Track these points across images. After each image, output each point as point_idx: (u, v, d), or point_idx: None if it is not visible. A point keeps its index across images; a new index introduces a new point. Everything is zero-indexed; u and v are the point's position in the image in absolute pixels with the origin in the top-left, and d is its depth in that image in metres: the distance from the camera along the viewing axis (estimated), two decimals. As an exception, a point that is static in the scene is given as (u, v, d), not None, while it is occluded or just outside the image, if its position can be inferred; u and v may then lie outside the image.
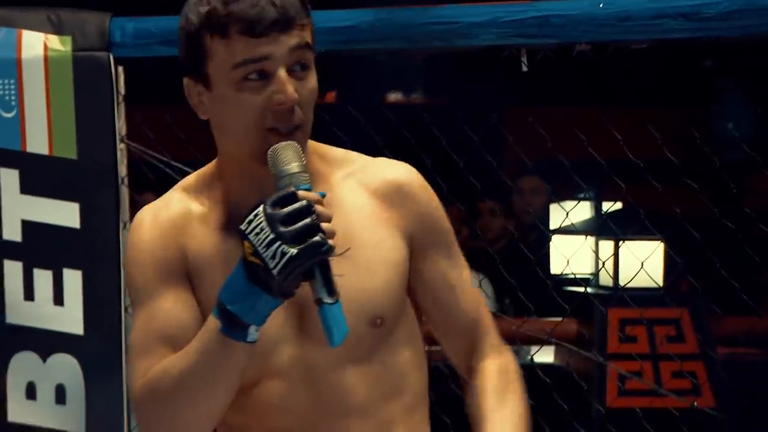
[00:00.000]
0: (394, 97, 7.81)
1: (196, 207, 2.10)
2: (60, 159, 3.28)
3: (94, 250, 3.26)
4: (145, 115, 3.63)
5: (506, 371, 2.13)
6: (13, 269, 3.28)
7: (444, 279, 2.12)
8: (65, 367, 3.25)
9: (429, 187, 2.13)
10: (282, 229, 1.88)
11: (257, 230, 1.88)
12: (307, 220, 1.88)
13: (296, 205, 1.89)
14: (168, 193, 2.14)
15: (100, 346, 3.25)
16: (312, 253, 1.88)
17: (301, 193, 1.90)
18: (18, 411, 3.26)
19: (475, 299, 2.16)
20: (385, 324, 2.06)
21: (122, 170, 3.34)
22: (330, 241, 1.89)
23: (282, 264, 1.88)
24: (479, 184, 3.62)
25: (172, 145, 3.55)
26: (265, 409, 2.06)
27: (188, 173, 3.45)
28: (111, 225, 3.30)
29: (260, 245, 1.88)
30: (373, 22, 3.16)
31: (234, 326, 1.93)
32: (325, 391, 2.05)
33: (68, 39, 3.27)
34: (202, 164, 3.55)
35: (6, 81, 3.27)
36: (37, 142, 3.28)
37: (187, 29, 2.06)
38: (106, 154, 3.29)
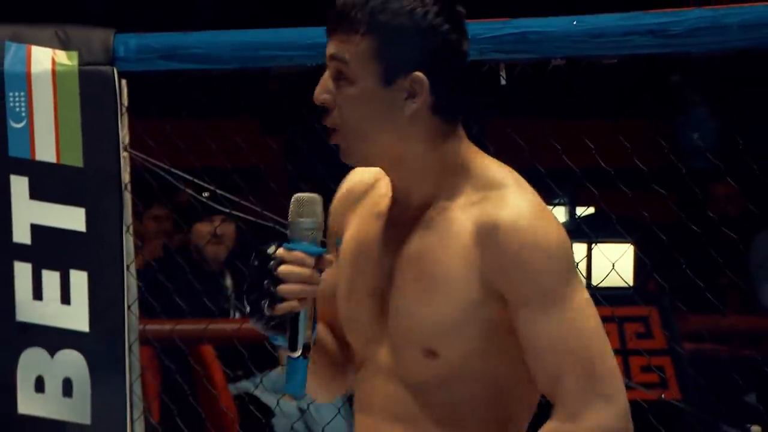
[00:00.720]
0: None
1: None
2: (67, 166, 3.26)
3: (99, 253, 3.24)
4: (146, 126, 3.62)
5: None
6: (23, 270, 3.26)
7: (525, 335, 1.90)
8: (72, 362, 3.23)
9: (538, 234, 1.89)
10: (246, 286, 1.90)
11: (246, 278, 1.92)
12: (263, 283, 1.88)
13: (260, 265, 1.89)
14: None
15: (104, 343, 3.23)
16: (256, 315, 1.89)
17: (281, 252, 1.89)
18: (27, 403, 3.24)
19: (565, 360, 1.88)
20: (439, 358, 1.92)
21: (125, 177, 3.32)
22: (287, 304, 1.87)
23: (249, 315, 1.92)
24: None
25: (171, 154, 3.55)
26: (360, 387, 2.02)
27: (186, 179, 3.48)
28: (115, 229, 3.28)
29: (245, 289, 1.92)
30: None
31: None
32: (387, 395, 1.97)
33: (75, 54, 3.26)
34: (199, 171, 3.56)
35: (17, 93, 3.25)
36: (46, 151, 3.26)
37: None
38: (110, 162, 3.28)
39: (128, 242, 3.29)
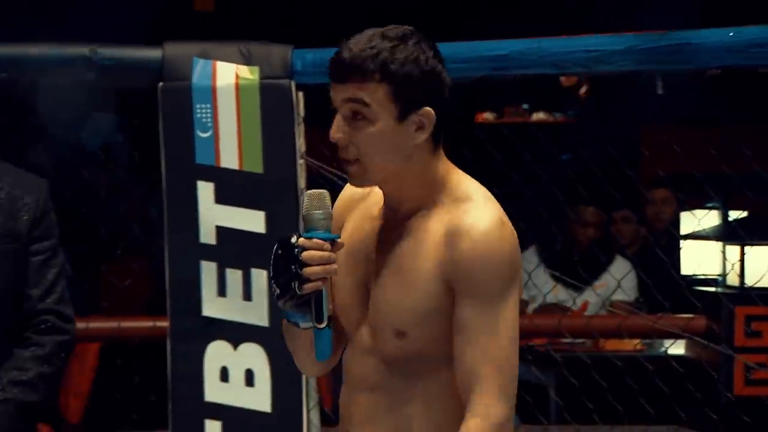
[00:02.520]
0: (536, 116, 7.78)
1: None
2: (249, 173, 3.32)
3: (277, 253, 3.32)
4: (321, 135, 3.67)
5: None
6: (209, 269, 3.32)
7: (457, 321, 2.15)
8: (253, 354, 3.29)
9: (489, 240, 2.13)
10: (272, 271, 2.15)
11: (270, 261, 2.16)
12: (291, 268, 2.12)
13: (285, 253, 2.13)
14: None
15: (283, 337, 3.30)
16: (287, 295, 2.14)
17: (302, 241, 2.14)
18: (213, 392, 3.30)
19: (484, 355, 2.13)
20: (407, 338, 2.18)
21: (301, 182, 3.37)
22: (313, 284, 2.12)
23: (275, 297, 2.17)
24: (616, 194, 3.61)
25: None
26: (347, 364, 2.27)
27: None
28: (292, 230, 3.32)
29: (271, 276, 2.17)
30: (523, 51, 3.19)
31: (288, 319, 2.21)
32: (367, 370, 2.22)
33: (256, 69, 3.32)
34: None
35: (204, 105, 3.32)
36: (229, 158, 3.32)
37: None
38: (288, 169, 3.33)
39: (305, 243, 3.35)
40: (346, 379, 2.27)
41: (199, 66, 3.33)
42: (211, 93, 3.32)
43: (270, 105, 3.32)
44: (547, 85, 6.90)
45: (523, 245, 5.00)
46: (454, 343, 2.16)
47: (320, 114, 3.83)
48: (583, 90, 6.92)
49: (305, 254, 2.12)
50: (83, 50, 3.35)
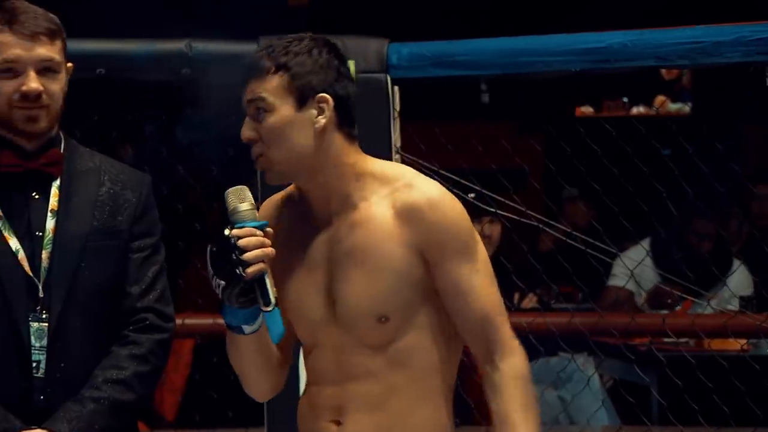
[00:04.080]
0: (636, 110, 7.69)
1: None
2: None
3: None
4: (417, 129, 3.68)
5: (521, 377, 2.33)
6: None
7: (455, 286, 2.34)
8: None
9: (447, 206, 2.33)
10: (213, 267, 2.30)
11: (207, 265, 2.31)
12: (232, 257, 2.26)
13: (222, 246, 2.28)
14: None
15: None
16: (234, 282, 2.28)
17: (235, 231, 2.29)
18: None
19: (487, 302, 2.35)
20: (390, 321, 2.34)
21: (397, 178, 3.38)
22: (255, 266, 2.26)
23: (220, 293, 2.31)
24: (720, 189, 3.55)
25: (440, 156, 3.59)
26: (312, 369, 2.44)
27: (455, 180, 3.52)
28: None
29: (210, 280, 2.31)
30: (624, 43, 3.15)
31: (231, 328, 2.38)
32: (346, 362, 2.37)
33: (352, 63, 3.29)
34: (466, 172, 3.59)
35: (298, 100, 3.35)
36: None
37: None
38: (383, 164, 3.35)
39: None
40: (314, 380, 2.43)
41: (295, 60, 3.34)
42: (306, 88, 3.33)
43: (365, 99, 3.27)
44: (647, 78, 6.82)
45: (629, 240, 4.95)
46: (454, 306, 2.33)
47: (416, 108, 3.85)
48: (684, 81, 6.83)
49: (241, 241, 2.28)
50: (179, 45, 3.38)
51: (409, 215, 2.32)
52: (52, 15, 2.62)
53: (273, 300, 2.30)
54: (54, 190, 2.63)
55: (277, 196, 2.47)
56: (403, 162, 3.42)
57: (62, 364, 2.58)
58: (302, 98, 2.33)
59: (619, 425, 4.67)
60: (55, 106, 2.61)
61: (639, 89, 7.56)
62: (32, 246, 2.60)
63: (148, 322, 2.65)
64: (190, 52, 3.37)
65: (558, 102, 7.64)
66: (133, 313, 2.65)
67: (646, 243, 5.03)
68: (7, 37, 2.57)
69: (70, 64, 2.66)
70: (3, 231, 2.59)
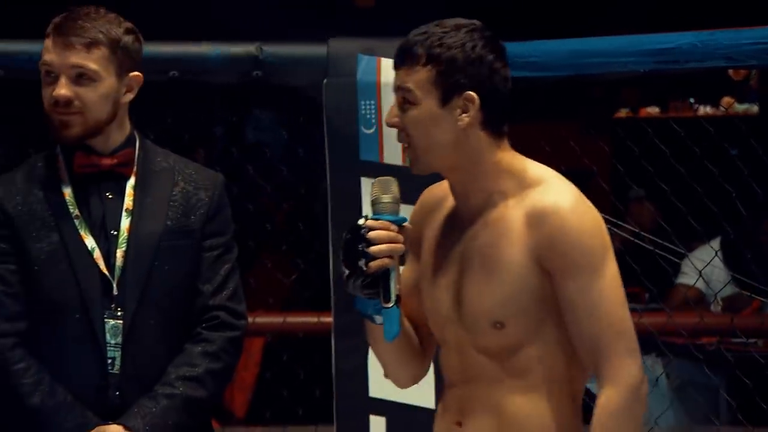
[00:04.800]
0: (703, 110, 7.63)
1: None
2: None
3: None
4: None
5: (611, 413, 2.20)
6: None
7: (565, 301, 2.23)
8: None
9: (576, 215, 2.22)
10: (342, 256, 2.25)
11: (341, 247, 2.28)
12: (358, 247, 2.23)
13: (353, 235, 2.25)
14: None
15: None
16: (356, 274, 2.24)
17: (369, 222, 2.25)
18: (377, 387, 3.30)
19: (601, 323, 2.22)
20: (506, 329, 2.26)
21: (465, 178, 3.38)
22: (380, 261, 2.22)
23: (344, 281, 2.27)
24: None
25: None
26: (443, 367, 2.37)
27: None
28: None
29: (339, 266, 2.27)
30: (694, 43, 3.12)
31: (363, 315, 2.32)
32: (466, 362, 2.30)
33: (420, 64, 3.34)
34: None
35: (368, 102, 3.33)
36: (393, 155, 3.31)
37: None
38: (452, 165, 3.35)
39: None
40: (446, 376, 2.36)
41: (364, 62, 3.34)
42: (375, 89, 3.33)
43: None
44: (713, 79, 6.77)
45: (697, 241, 4.90)
46: (568, 321, 2.23)
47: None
48: (752, 83, 6.77)
49: (371, 233, 2.24)
50: (250, 48, 3.40)
51: (535, 220, 2.23)
52: (111, 26, 2.62)
53: (393, 298, 2.26)
54: (129, 190, 2.66)
55: (439, 187, 2.39)
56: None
57: (136, 361, 2.60)
58: (447, 95, 2.25)
59: (687, 425, 4.63)
60: (91, 114, 2.61)
61: (705, 90, 7.50)
62: (107, 245, 2.62)
63: (220, 320, 2.66)
64: (260, 54, 3.38)
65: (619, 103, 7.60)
66: (205, 311, 2.66)
67: (715, 243, 4.98)
68: (48, 42, 2.62)
69: (136, 74, 2.67)
70: (79, 230, 2.62)
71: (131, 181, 2.66)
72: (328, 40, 3.39)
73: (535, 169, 2.30)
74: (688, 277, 5.14)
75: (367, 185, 3.34)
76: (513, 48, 3.33)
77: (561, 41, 3.29)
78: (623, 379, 2.21)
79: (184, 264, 2.65)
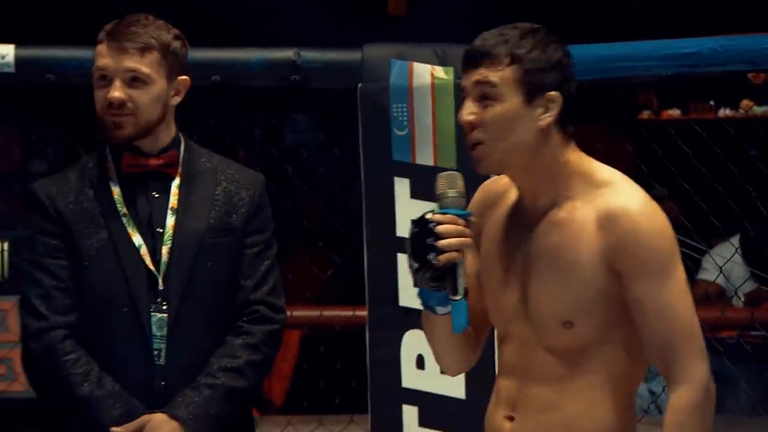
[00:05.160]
0: (723, 112, 7.59)
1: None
2: (443, 169, 3.33)
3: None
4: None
5: (683, 410, 2.16)
6: (405, 261, 3.32)
7: (635, 302, 2.19)
8: (448, 343, 3.32)
9: (647, 217, 2.17)
10: (410, 249, 2.22)
11: (407, 240, 2.24)
12: (426, 241, 2.18)
13: (421, 229, 2.20)
14: None
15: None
16: (425, 267, 2.19)
17: (437, 216, 2.20)
18: (410, 378, 3.30)
19: (672, 325, 2.18)
20: (575, 328, 2.21)
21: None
22: (448, 254, 2.16)
23: (412, 274, 2.23)
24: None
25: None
26: (500, 360, 2.33)
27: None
28: None
29: (407, 252, 2.23)
30: (715, 48, 3.11)
31: (425, 306, 2.28)
32: (528, 359, 2.25)
33: (451, 69, 3.30)
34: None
35: (400, 105, 3.33)
36: (424, 155, 3.32)
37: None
38: (481, 165, 3.34)
39: (497, 236, 3.33)
40: (502, 372, 2.32)
41: (397, 67, 3.34)
42: (407, 93, 3.33)
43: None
44: (733, 83, 6.73)
45: (717, 237, 4.87)
46: (638, 322, 2.18)
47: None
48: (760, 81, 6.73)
49: (440, 227, 2.19)
50: (288, 53, 3.41)
51: (606, 222, 2.18)
52: (161, 32, 2.64)
53: (461, 291, 2.22)
54: (174, 189, 2.67)
55: (498, 182, 2.36)
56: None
57: (180, 353, 2.61)
58: (532, 94, 2.20)
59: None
60: (143, 115, 2.63)
61: (725, 93, 7.46)
62: (153, 242, 2.64)
63: (260, 314, 2.67)
64: (298, 59, 3.39)
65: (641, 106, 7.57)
66: (246, 305, 2.67)
67: (735, 240, 4.95)
68: (103, 48, 2.63)
69: (183, 78, 2.69)
70: (127, 228, 2.64)
71: (176, 181, 2.68)
72: (363, 46, 3.40)
73: (603, 170, 2.25)
74: (708, 273, 5.11)
75: (400, 184, 3.34)
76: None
77: (589, 46, 3.27)
78: (695, 378, 2.17)
79: (225, 260, 2.66)
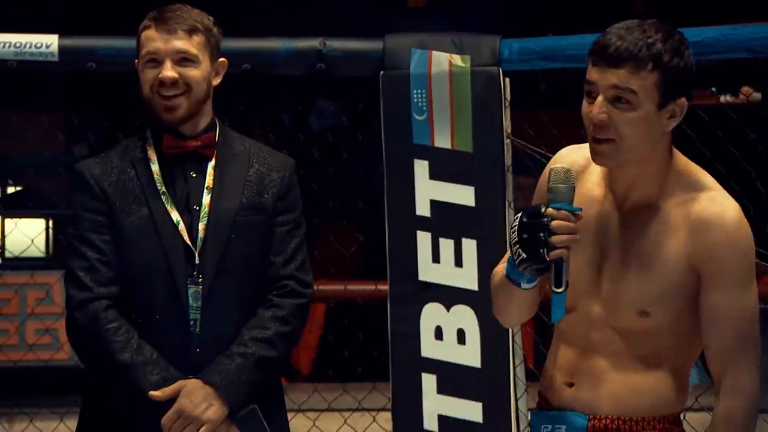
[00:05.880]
0: (724, 98, 7.54)
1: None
2: (460, 152, 3.32)
3: (486, 224, 3.29)
4: (526, 117, 3.65)
5: (731, 419, 2.16)
6: (424, 238, 3.33)
7: (710, 308, 2.17)
8: (464, 315, 3.30)
9: (738, 229, 2.15)
10: (523, 236, 2.10)
11: (513, 230, 2.13)
12: (540, 236, 2.08)
13: (534, 221, 2.10)
14: None
15: (491, 299, 3.29)
16: (534, 260, 2.10)
17: (551, 211, 2.10)
18: (429, 349, 3.32)
19: (735, 335, 2.16)
20: (650, 317, 2.18)
21: (507, 160, 3.35)
22: (559, 251, 2.08)
23: (516, 261, 2.13)
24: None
25: (548, 141, 3.56)
26: (564, 329, 2.27)
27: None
28: (499, 204, 3.31)
29: (510, 242, 2.13)
30: (717, 37, 3.10)
31: (512, 279, 2.19)
32: (595, 334, 2.23)
33: (468, 57, 3.31)
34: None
35: (419, 91, 3.33)
36: (442, 139, 3.33)
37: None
38: (496, 148, 3.32)
39: (510, 215, 3.31)
40: (566, 341, 2.27)
41: (416, 56, 3.34)
42: (426, 80, 3.33)
43: (479, 90, 3.32)
44: (735, 70, 6.69)
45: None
46: (704, 327, 2.17)
47: (525, 98, 3.82)
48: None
49: (554, 223, 2.10)
50: (314, 43, 3.41)
51: (699, 227, 2.14)
52: (202, 17, 2.67)
53: (564, 285, 2.14)
54: (210, 170, 2.68)
55: (580, 151, 2.26)
56: (513, 146, 3.40)
57: (215, 323, 2.62)
58: (665, 99, 2.12)
59: (710, 384, 4.59)
60: (195, 93, 2.65)
61: (726, 80, 7.42)
62: (190, 219, 2.65)
63: (289, 288, 2.68)
64: (324, 48, 3.39)
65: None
66: (276, 280, 2.68)
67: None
68: (152, 33, 2.64)
69: (222, 60, 2.71)
70: (166, 205, 2.65)
71: (212, 162, 2.69)
72: (384, 36, 3.40)
73: (701, 174, 2.20)
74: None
75: (419, 166, 3.34)
76: (548, 42, 3.34)
77: (592, 35, 3.26)
78: (748, 388, 2.16)
79: (257, 237, 2.67)
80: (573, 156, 2.27)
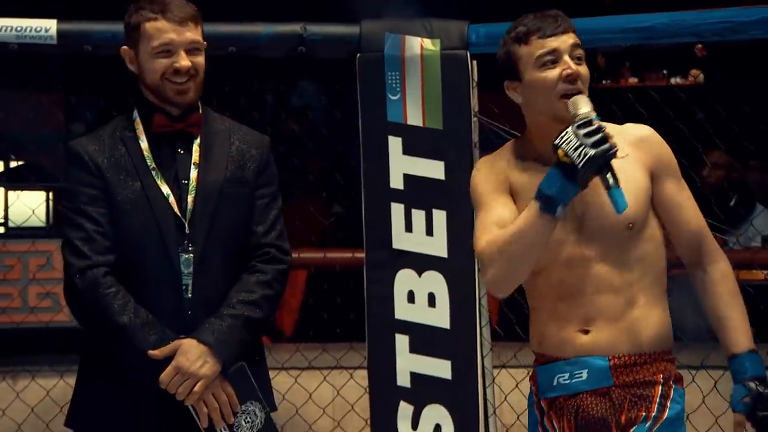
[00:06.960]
0: (674, 80, 7.57)
1: (518, 154, 2.40)
2: (431, 129, 3.33)
3: (455, 196, 3.29)
4: (491, 97, 3.65)
5: (729, 276, 2.36)
6: (397, 209, 3.34)
7: (672, 199, 2.36)
8: (435, 280, 3.31)
9: (662, 139, 2.39)
10: (585, 139, 2.17)
11: (567, 141, 2.18)
12: (601, 134, 2.18)
13: (594, 126, 2.19)
14: (500, 148, 2.46)
15: (459, 265, 3.29)
16: (604, 154, 2.18)
17: (595, 121, 2.20)
18: (402, 311, 3.33)
19: (697, 215, 2.38)
20: (635, 227, 2.32)
21: (474, 137, 3.36)
22: (613, 149, 2.18)
23: (585, 161, 2.18)
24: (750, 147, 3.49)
25: (511, 119, 3.57)
26: (553, 286, 2.34)
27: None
28: (466, 177, 3.27)
29: (570, 150, 2.18)
30: (667, 23, 3.11)
31: (548, 205, 2.22)
32: (593, 277, 2.32)
33: (438, 41, 3.31)
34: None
35: (393, 73, 3.33)
36: (415, 117, 3.33)
37: (501, 53, 2.43)
38: (464, 125, 3.32)
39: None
40: (557, 293, 2.33)
41: (390, 40, 3.34)
42: (400, 62, 3.33)
43: (449, 72, 3.31)
44: (682, 53, 6.72)
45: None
46: (672, 216, 2.36)
47: (490, 79, 3.82)
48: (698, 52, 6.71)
49: (607, 131, 2.21)
50: (296, 27, 3.39)
51: (641, 143, 2.36)
52: (193, 6, 2.67)
53: (618, 180, 2.23)
54: (196, 147, 2.68)
55: (503, 154, 2.43)
56: (479, 124, 3.40)
57: (205, 287, 2.63)
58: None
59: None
60: (200, 77, 2.66)
61: (676, 63, 7.44)
62: (180, 192, 2.64)
63: (271, 255, 2.68)
64: (304, 33, 3.38)
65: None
66: (258, 247, 2.69)
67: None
68: (162, 24, 2.62)
69: (205, 44, 2.70)
70: (156, 179, 2.65)
71: (198, 140, 2.68)
72: (361, 21, 3.39)
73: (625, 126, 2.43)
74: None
75: (393, 142, 3.34)
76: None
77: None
78: (723, 255, 2.38)
79: (240, 208, 2.67)
80: (493, 159, 2.42)
